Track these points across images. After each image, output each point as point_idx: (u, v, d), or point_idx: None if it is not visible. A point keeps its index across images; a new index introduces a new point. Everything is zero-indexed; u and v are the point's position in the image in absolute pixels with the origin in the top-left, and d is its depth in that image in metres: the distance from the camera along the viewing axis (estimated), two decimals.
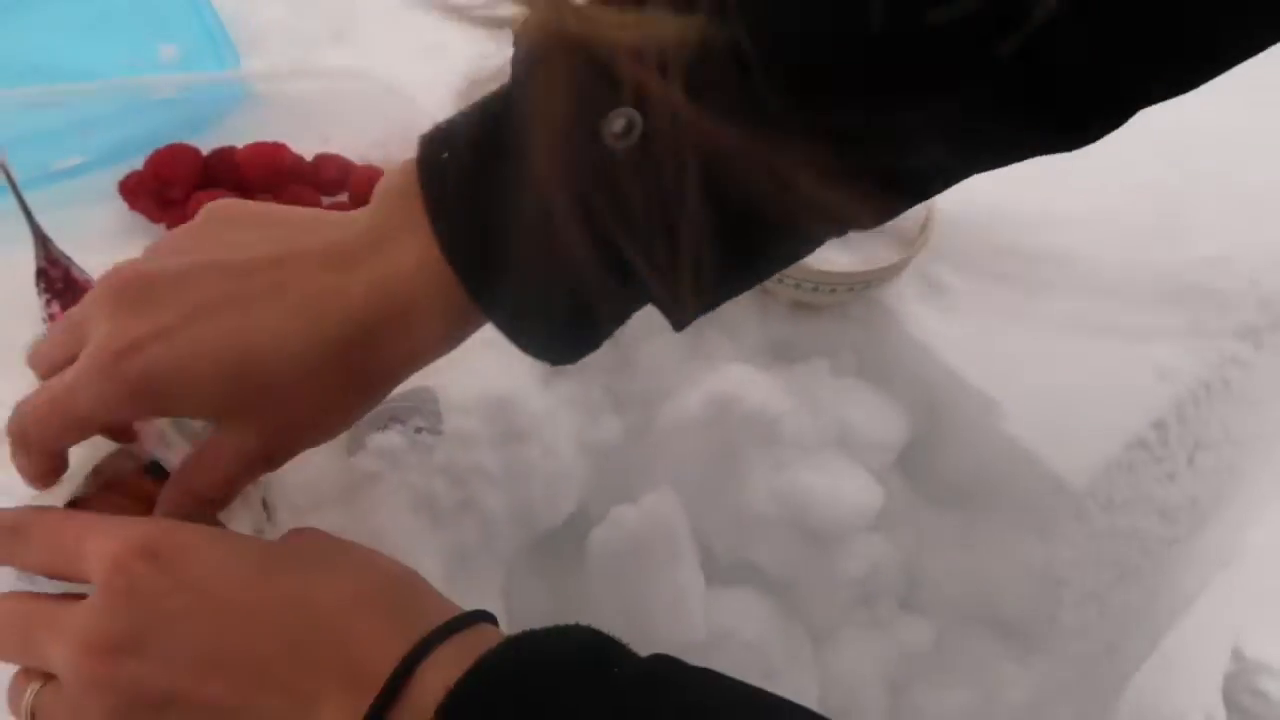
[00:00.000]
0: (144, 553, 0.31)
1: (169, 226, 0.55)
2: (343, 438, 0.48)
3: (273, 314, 0.33)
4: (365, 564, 0.34)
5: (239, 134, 0.56)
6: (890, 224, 0.58)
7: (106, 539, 0.32)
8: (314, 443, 0.37)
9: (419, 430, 0.49)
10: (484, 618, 0.33)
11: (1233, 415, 0.67)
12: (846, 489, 0.57)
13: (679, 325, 0.36)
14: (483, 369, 0.54)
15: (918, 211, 0.59)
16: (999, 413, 0.60)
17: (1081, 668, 0.66)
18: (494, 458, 0.50)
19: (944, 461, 0.61)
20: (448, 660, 0.30)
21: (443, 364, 0.44)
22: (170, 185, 0.54)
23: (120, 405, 0.33)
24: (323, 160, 0.57)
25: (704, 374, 0.57)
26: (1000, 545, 0.62)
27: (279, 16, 0.65)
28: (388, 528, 0.46)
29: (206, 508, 0.36)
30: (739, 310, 0.60)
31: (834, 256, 0.57)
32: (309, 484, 0.47)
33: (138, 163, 0.55)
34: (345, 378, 0.35)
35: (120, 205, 0.55)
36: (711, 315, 0.59)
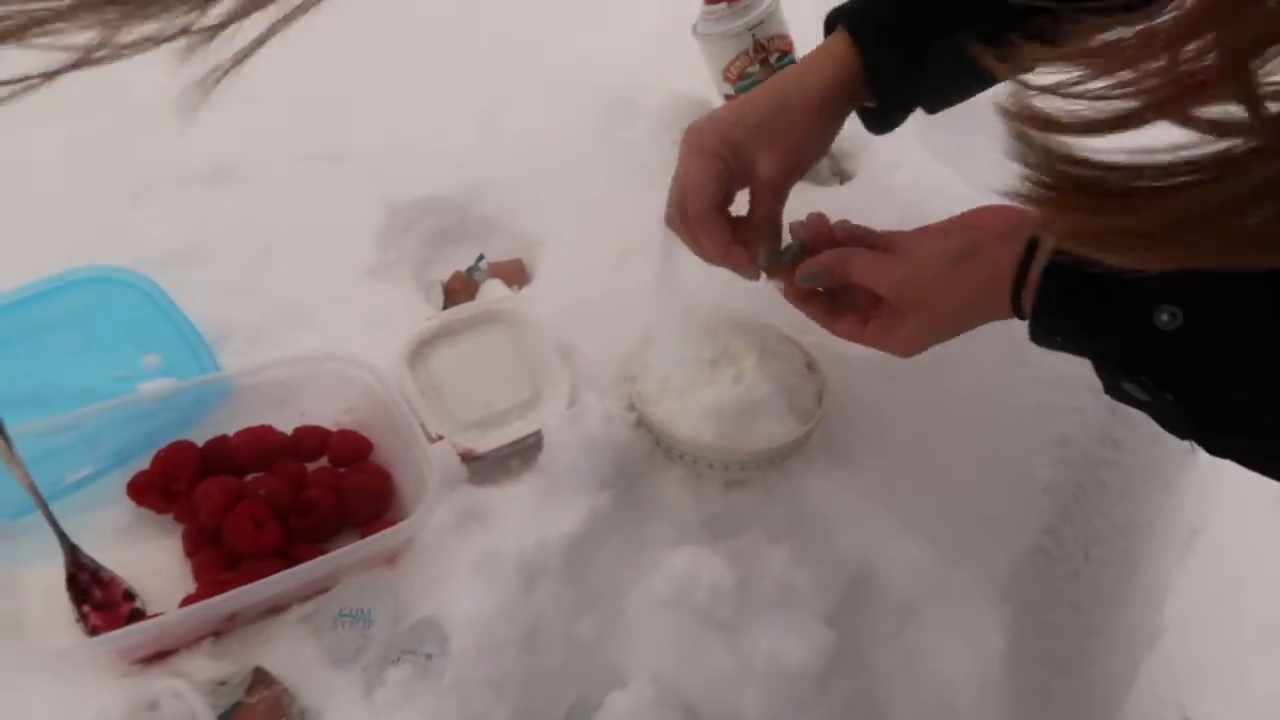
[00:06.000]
0: None
1: (176, 517, 0.62)
2: (359, 679, 0.55)
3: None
4: None
5: (227, 423, 0.65)
6: (787, 402, 0.69)
7: None
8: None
9: (429, 657, 0.55)
10: None
11: (1114, 509, 0.78)
12: (801, 643, 0.65)
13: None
14: (471, 591, 0.62)
15: (812, 389, 0.70)
16: (912, 538, 0.70)
17: None
18: (495, 669, 0.57)
19: (880, 592, 0.70)
20: None
21: (442, 592, 0.52)
22: (174, 479, 0.61)
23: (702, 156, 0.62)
24: (302, 433, 0.66)
25: (657, 560, 0.66)
26: (941, 654, 0.70)
27: (240, 311, 0.74)
28: None
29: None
30: (676, 496, 0.69)
31: (748, 438, 0.67)
32: None
33: (143, 463, 0.62)
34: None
35: (128, 504, 0.62)
36: (652, 503, 0.68)
